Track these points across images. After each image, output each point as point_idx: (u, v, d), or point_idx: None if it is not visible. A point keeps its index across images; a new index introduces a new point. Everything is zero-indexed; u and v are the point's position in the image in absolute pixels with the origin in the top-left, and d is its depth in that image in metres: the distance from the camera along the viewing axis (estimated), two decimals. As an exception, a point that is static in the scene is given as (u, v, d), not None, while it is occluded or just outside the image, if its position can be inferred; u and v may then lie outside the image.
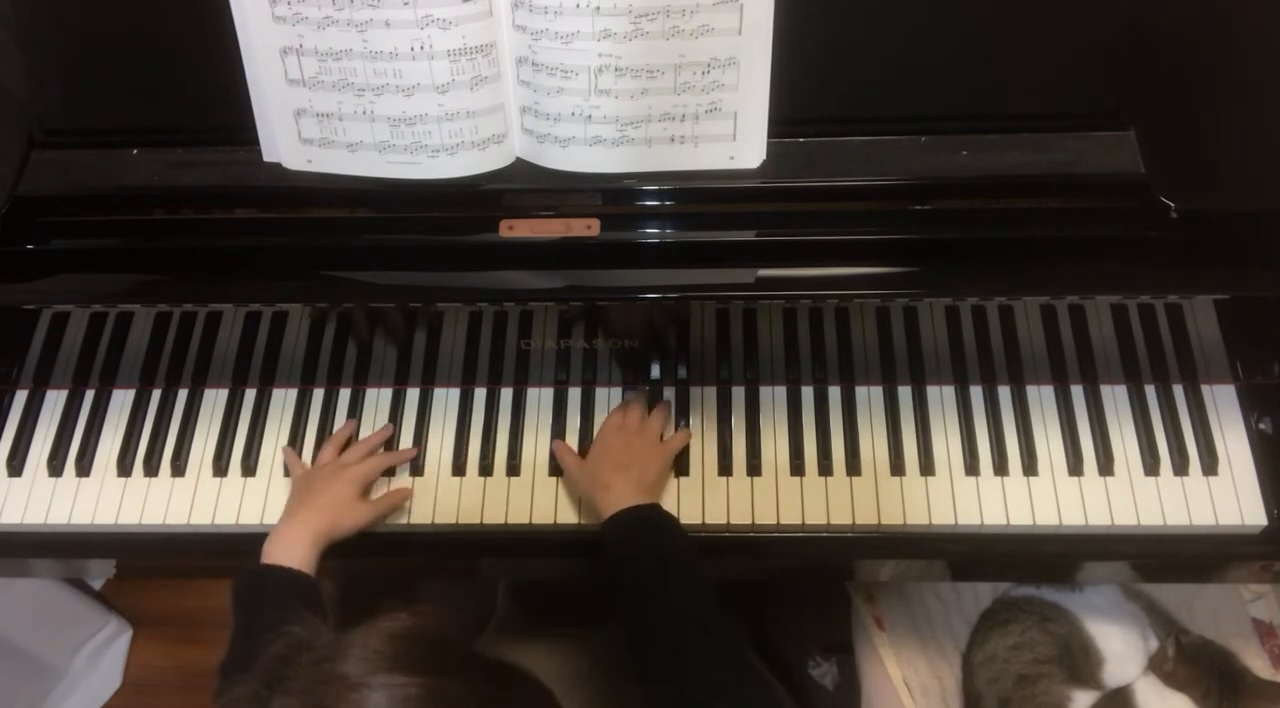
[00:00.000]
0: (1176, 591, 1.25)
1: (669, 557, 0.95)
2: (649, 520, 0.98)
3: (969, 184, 0.96)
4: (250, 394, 1.15)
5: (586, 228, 0.97)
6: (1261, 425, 1.07)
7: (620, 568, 0.96)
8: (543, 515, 1.08)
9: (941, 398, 1.11)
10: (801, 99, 0.94)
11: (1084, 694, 1.13)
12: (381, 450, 1.10)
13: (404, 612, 0.74)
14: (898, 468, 1.07)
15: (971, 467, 1.07)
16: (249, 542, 1.10)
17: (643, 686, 0.91)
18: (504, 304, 1.11)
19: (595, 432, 1.10)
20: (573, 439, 1.11)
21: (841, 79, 0.95)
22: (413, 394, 1.14)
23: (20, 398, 1.16)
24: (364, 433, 1.12)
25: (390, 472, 1.10)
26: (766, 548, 1.08)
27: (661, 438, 1.08)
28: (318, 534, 0.99)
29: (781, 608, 1.65)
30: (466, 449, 1.11)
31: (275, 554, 0.97)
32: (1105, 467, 1.06)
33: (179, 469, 1.11)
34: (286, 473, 1.10)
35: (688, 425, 1.11)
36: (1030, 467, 1.07)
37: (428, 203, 0.98)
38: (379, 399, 1.14)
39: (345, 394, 1.14)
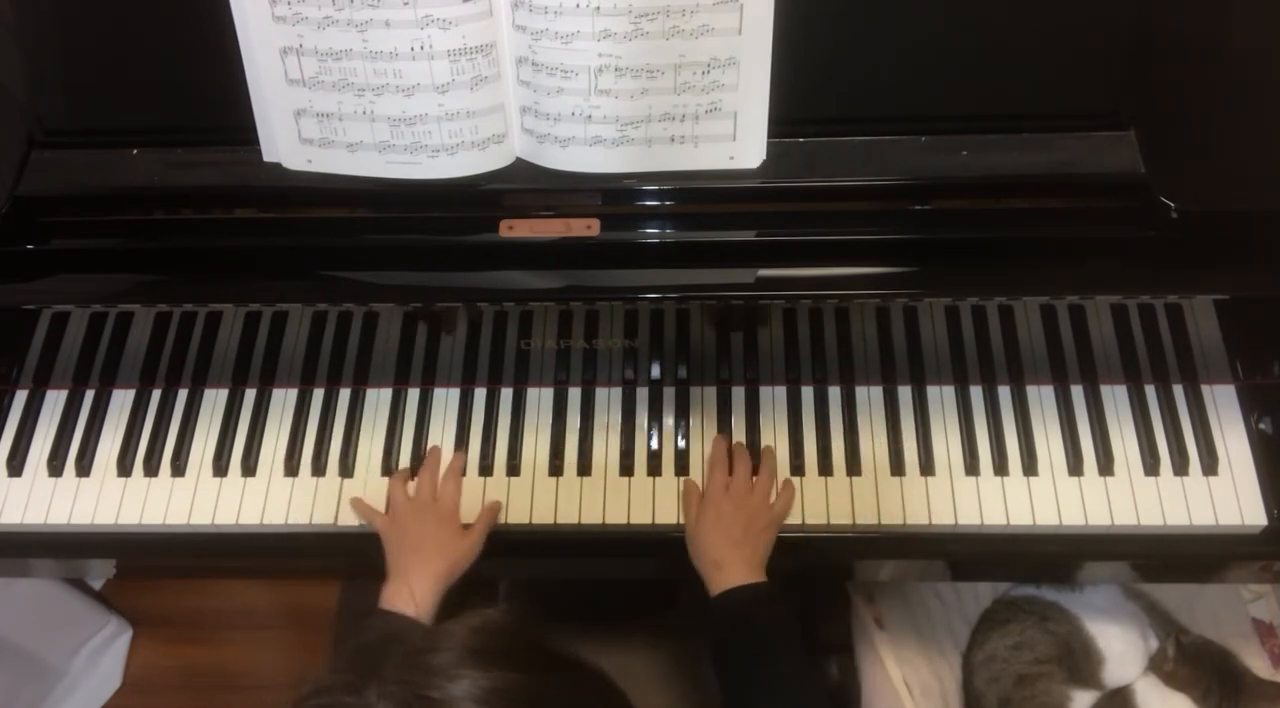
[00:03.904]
0: (1176, 591, 1.25)
1: (775, 642, 0.95)
2: (758, 604, 0.97)
3: (969, 184, 0.96)
4: (250, 394, 1.15)
5: (586, 228, 0.97)
6: (1261, 425, 1.07)
7: (723, 646, 0.96)
8: (542, 516, 1.08)
9: (941, 398, 1.11)
10: (801, 99, 0.94)
11: (1084, 694, 1.13)
12: (438, 468, 1.09)
13: (491, 608, 0.75)
14: (898, 468, 1.07)
15: (971, 467, 1.07)
16: (249, 542, 1.10)
17: None
18: (504, 304, 1.11)
19: (594, 432, 1.10)
20: (573, 439, 1.11)
21: (841, 79, 0.95)
22: (413, 394, 1.14)
23: (20, 398, 1.15)
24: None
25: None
26: (766, 548, 1.08)
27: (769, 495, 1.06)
28: (438, 580, 0.99)
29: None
30: (466, 449, 1.11)
31: (397, 606, 0.97)
32: (1105, 467, 1.06)
33: (179, 469, 1.11)
34: (286, 473, 1.10)
35: (688, 426, 1.11)
36: (1030, 467, 1.07)
37: (428, 203, 0.98)
38: (379, 399, 1.14)
39: (345, 394, 1.14)
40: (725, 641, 0.97)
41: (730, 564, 0.98)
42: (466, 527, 1.05)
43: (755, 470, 1.06)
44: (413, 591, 0.97)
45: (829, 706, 0.93)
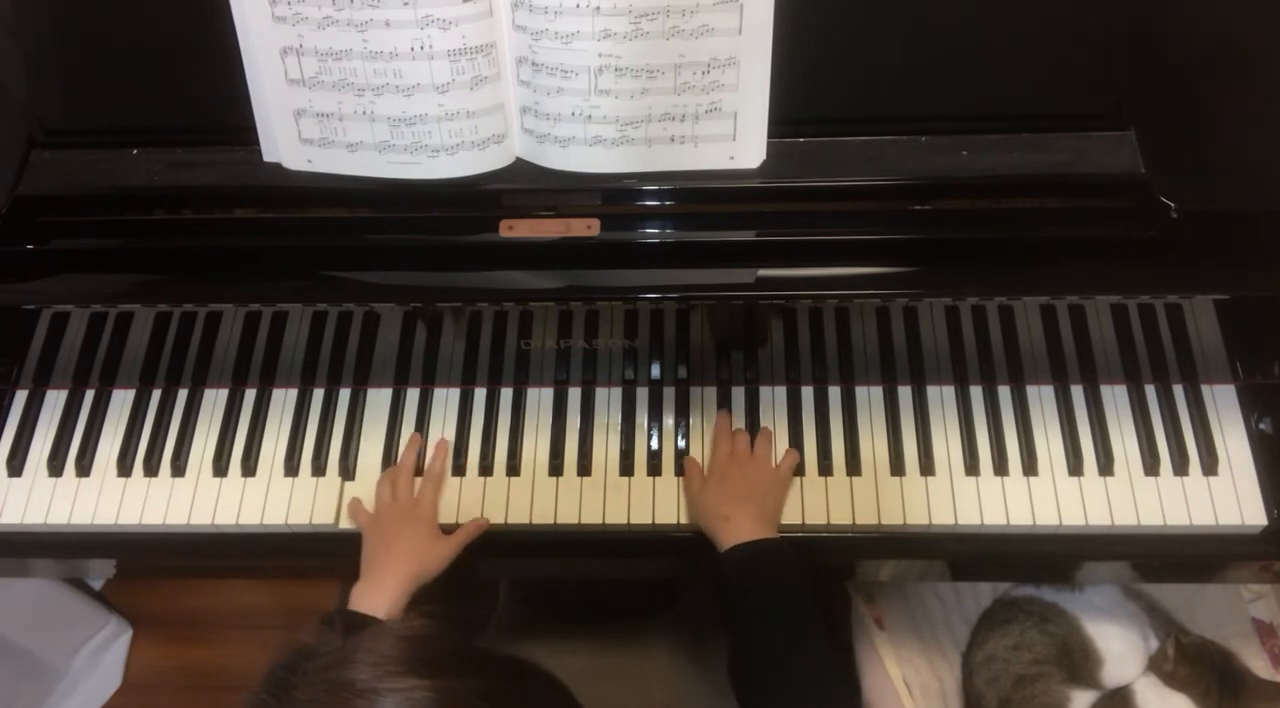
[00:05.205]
0: (1176, 591, 1.25)
1: (785, 594, 0.96)
2: (768, 557, 0.98)
3: (969, 184, 0.96)
4: (250, 394, 1.15)
5: (586, 228, 0.97)
6: (1261, 425, 1.07)
7: (735, 601, 0.97)
8: (543, 516, 1.08)
9: (941, 398, 1.11)
10: (801, 99, 0.94)
11: (1083, 695, 1.13)
12: (428, 471, 1.09)
13: (412, 614, 0.74)
14: (898, 468, 1.08)
15: (971, 467, 1.07)
16: (249, 542, 1.11)
17: None
18: (504, 304, 1.11)
19: (594, 432, 1.10)
20: (573, 439, 1.11)
21: (841, 79, 0.95)
22: (413, 394, 1.14)
23: (20, 398, 1.15)
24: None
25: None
26: (766, 548, 1.08)
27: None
28: (406, 582, 0.98)
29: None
30: (466, 449, 1.11)
31: (365, 605, 0.96)
32: (1105, 467, 1.06)
33: (179, 469, 1.11)
34: (286, 473, 1.10)
35: (688, 426, 1.11)
36: (1030, 467, 1.07)
37: (428, 203, 0.98)
38: (379, 399, 1.14)
39: (345, 394, 1.14)
40: (732, 594, 0.97)
41: (738, 518, 0.99)
42: (448, 532, 1.05)
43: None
44: (380, 592, 0.97)
45: (836, 664, 0.92)
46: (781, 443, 1.09)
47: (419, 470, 1.10)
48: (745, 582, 0.97)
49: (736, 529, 0.98)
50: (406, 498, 1.06)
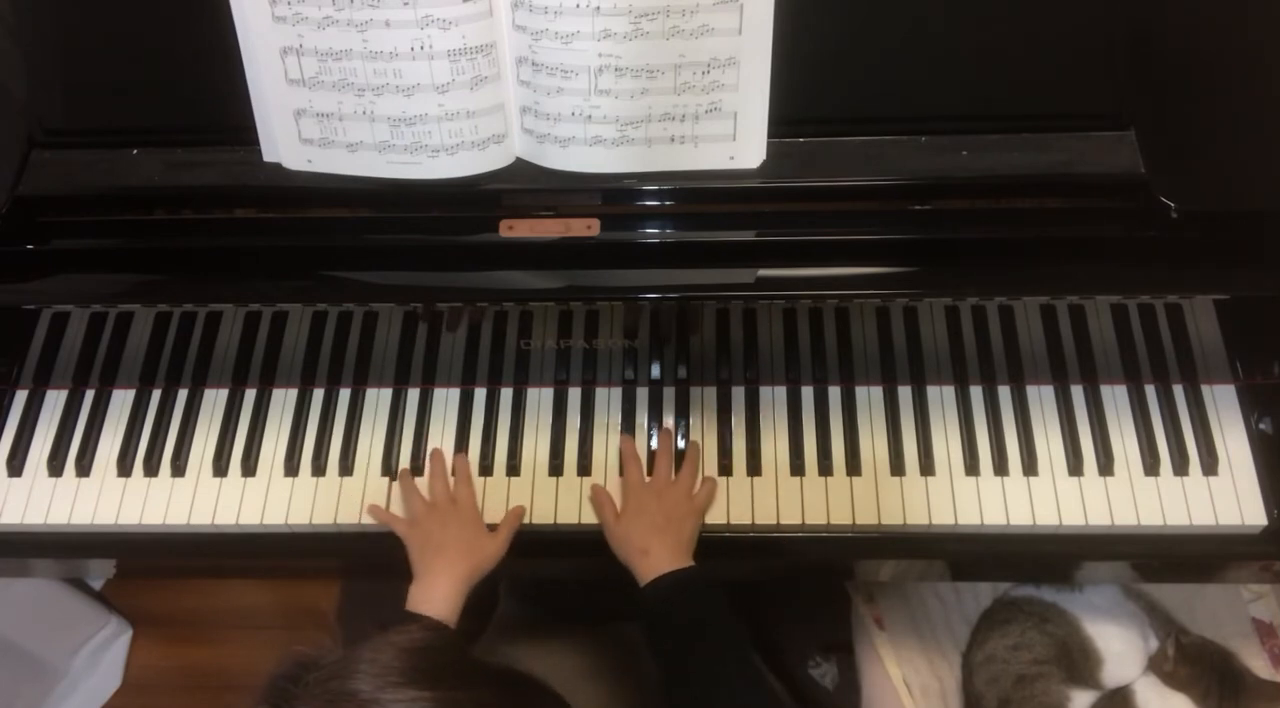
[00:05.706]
0: (1176, 591, 1.25)
1: (708, 622, 0.96)
2: (688, 586, 0.98)
3: (969, 184, 0.96)
4: (250, 394, 1.15)
5: (586, 228, 0.97)
6: (1261, 425, 1.07)
7: (660, 632, 0.97)
8: (542, 515, 1.08)
9: (941, 398, 1.11)
10: (801, 99, 0.94)
11: (1083, 695, 1.13)
12: (445, 472, 1.09)
13: (413, 624, 0.74)
14: (898, 468, 1.07)
15: (971, 467, 1.07)
16: (249, 542, 1.11)
17: None
18: (504, 304, 1.11)
19: (594, 433, 1.11)
20: (573, 439, 1.11)
21: (842, 79, 0.95)
22: (413, 394, 1.14)
23: (20, 398, 1.15)
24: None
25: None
26: (767, 548, 1.08)
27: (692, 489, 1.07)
28: (462, 580, 0.99)
29: (781, 608, 1.65)
30: (466, 449, 1.11)
31: (424, 607, 0.96)
32: (1105, 467, 1.06)
33: (179, 469, 1.11)
34: (286, 473, 1.10)
35: (688, 426, 1.11)
36: (1030, 467, 1.07)
37: (428, 203, 0.98)
38: (379, 399, 1.14)
39: (345, 394, 1.14)
40: (659, 626, 0.97)
41: (656, 551, 0.99)
42: (491, 528, 1.05)
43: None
44: (437, 592, 0.97)
45: (764, 681, 0.94)
46: (782, 444, 1.09)
47: (417, 472, 1.10)
48: (670, 611, 0.97)
49: (656, 561, 0.98)
50: (445, 499, 1.06)
